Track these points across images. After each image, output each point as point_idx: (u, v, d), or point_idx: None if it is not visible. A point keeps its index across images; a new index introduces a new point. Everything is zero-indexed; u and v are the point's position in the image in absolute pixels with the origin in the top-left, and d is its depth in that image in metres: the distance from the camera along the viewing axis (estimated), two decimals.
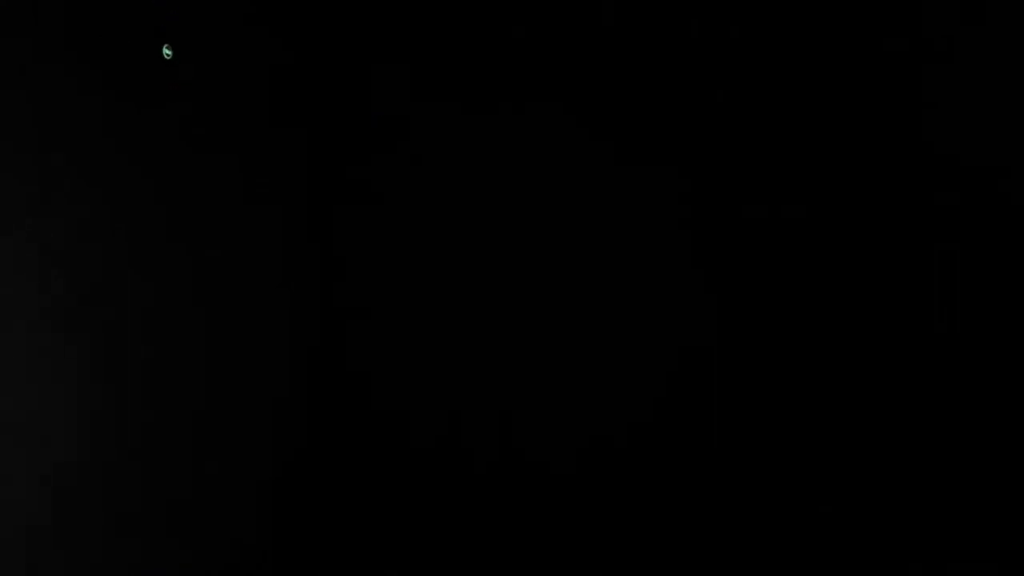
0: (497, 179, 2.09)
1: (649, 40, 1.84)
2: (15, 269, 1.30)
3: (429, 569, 2.12)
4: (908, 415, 1.51)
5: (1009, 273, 1.38)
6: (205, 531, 1.88)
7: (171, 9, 1.71)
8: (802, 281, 1.69)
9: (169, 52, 1.41)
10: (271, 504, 2.14)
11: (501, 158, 2.09)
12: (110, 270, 1.56)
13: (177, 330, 1.80)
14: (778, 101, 1.71)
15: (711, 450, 1.82)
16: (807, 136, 1.68)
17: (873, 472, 1.56)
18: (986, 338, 1.40)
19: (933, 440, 1.47)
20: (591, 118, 2.00)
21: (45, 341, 1.37)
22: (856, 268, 1.61)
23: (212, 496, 1.91)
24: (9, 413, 1.28)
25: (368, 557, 2.20)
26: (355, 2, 2.25)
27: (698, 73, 1.80)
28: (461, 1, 2.09)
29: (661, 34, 1.82)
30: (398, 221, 2.21)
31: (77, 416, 1.45)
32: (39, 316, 1.35)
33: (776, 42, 1.69)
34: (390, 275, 2.23)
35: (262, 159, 2.18)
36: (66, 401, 1.42)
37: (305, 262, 2.45)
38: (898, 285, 1.55)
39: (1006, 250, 1.38)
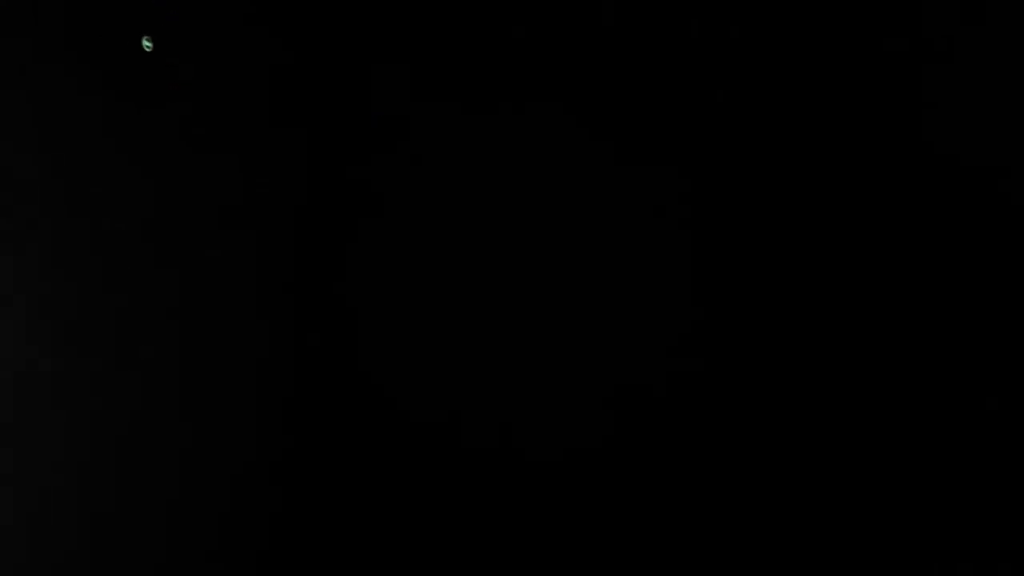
0: (495, 180, 2.09)
1: (649, 40, 1.84)
2: (14, 270, 1.30)
3: (426, 570, 2.12)
4: (908, 416, 1.51)
5: (1009, 273, 1.38)
6: (201, 531, 1.88)
7: (170, 8, 1.71)
8: (802, 281, 1.69)
9: (149, 44, 1.39)
10: (270, 506, 2.14)
11: (500, 159, 2.09)
12: (109, 271, 1.56)
13: (176, 331, 1.80)
14: (778, 101, 1.71)
15: (709, 450, 1.82)
16: (807, 136, 1.68)
17: (873, 473, 1.56)
18: (986, 338, 1.40)
19: (933, 441, 1.47)
20: (591, 118, 2.00)
21: (44, 341, 1.37)
22: (856, 268, 1.62)
23: (209, 496, 1.91)
24: (7, 414, 1.28)
25: (364, 558, 2.20)
26: (355, 2, 2.26)
27: (698, 73, 1.80)
28: (461, 1, 2.09)
29: (661, 34, 1.83)
30: (398, 222, 2.21)
31: (77, 416, 1.45)
32: (38, 316, 1.35)
33: (776, 42, 1.69)
34: (389, 275, 2.23)
35: (262, 159, 2.18)
36: (65, 402, 1.42)
37: (305, 263, 2.45)
38: (898, 285, 1.56)
39: (1006, 250, 1.38)
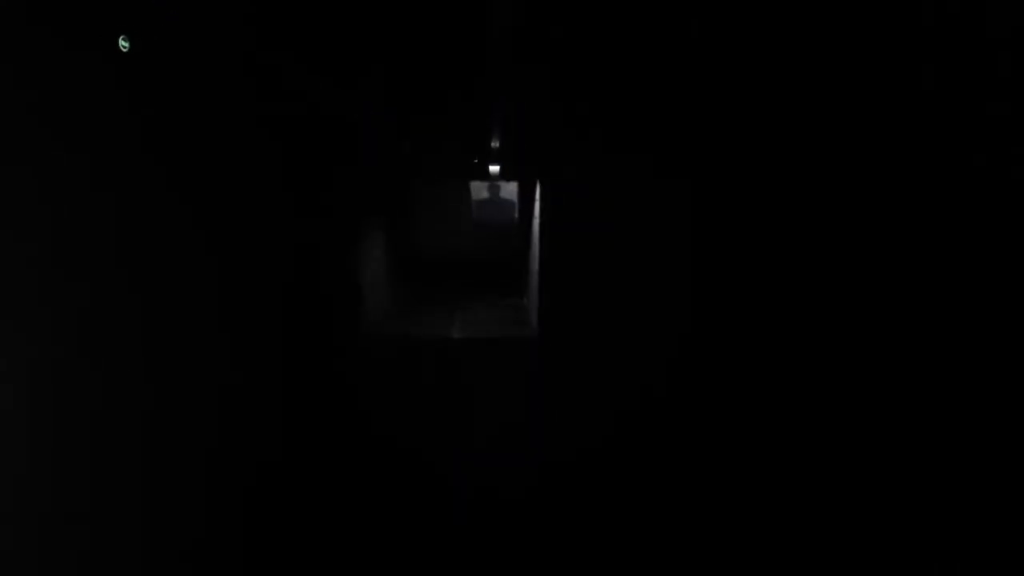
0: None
1: (649, 40, 1.84)
2: (25, 267, 1.28)
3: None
4: (906, 416, 1.51)
5: (1009, 273, 1.38)
6: (190, 530, 1.88)
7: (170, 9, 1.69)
8: (802, 282, 1.69)
9: (126, 44, 1.38)
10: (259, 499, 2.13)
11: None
12: (115, 279, 1.55)
13: (176, 334, 1.79)
14: (776, 102, 1.71)
15: (705, 451, 1.82)
16: (805, 137, 1.68)
17: (870, 473, 1.56)
18: (986, 338, 1.40)
19: (931, 441, 1.47)
20: (592, 120, 2.00)
21: (57, 340, 1.36)
22: (855, 268, 1.61)
23: (202, 495, 1.91)
24: (12, 409, 1.27)
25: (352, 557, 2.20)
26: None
27: (698, 73, 1.79)
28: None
29: (660, 33, 1.82)
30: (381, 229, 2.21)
31: (77, 413, 1.44)
32: (51, 319, 1.34)
33: (774, 43, 1.69)
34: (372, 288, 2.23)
35: (259, 170, 2.17)
36: (65, 397, 1.41)
37: (299, 273, 2.44)
38: (895, 285, 1.55)
39: (1006, 250, 1.37)
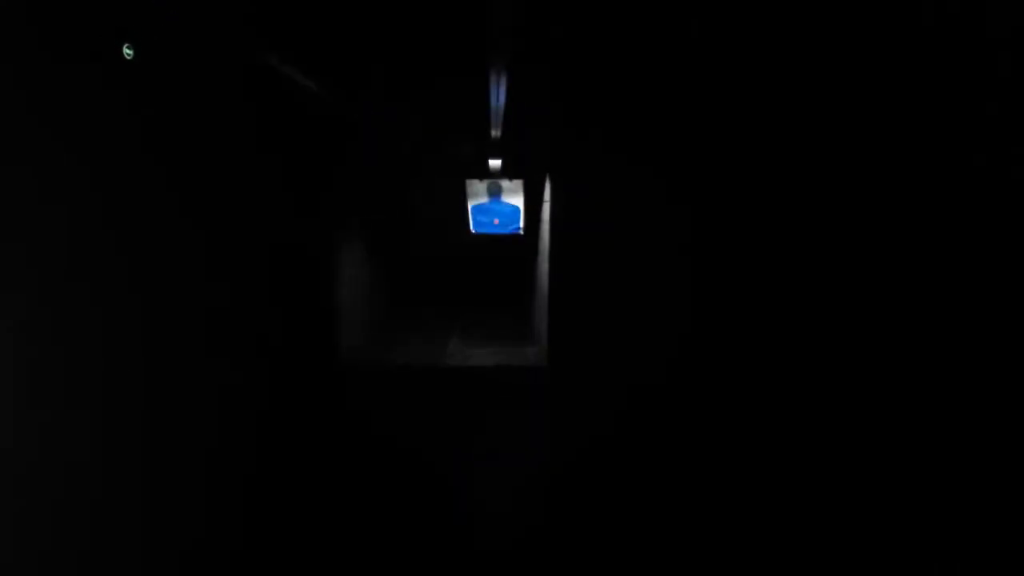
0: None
1: (650, 40, 1.84)
2: (19, 267, 1.28)
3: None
4: (905, 416, 1.51)
5: (1009, 272, 1.38)
6: (190, 525, 1.88)
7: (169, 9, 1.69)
8: (804, 281, 1.69)
9: (130, 52, 1.38)
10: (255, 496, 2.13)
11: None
12: (111, 282, 1.55)
13: (175, 333, 1.79)
14: (775, 100, 1.71)
15: (701, 451, 1.82)
16: (805, 135, 1.68)
17: (871, 472, 1.56)
18: (985, 338, 1.40)
19: (930, 440, 1.47)
20: (594, 122, 1.99)
21: (55, 342, 1.36)
22: (857, 268, 1.61)
23: (198, 491, 1.91)
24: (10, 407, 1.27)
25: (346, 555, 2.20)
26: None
27: (698, 72, 1.79)
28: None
29: (660, 33, 1.82)
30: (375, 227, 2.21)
31: (77, 413, 1.44)
32: (50, 321, 1.34)
33: (773, 43, 1.69)
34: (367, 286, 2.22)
35: (253, 173, 2.17)
36: (65, 398, 1.41)
37: (295, 277, 2.44)
38: (897, 284, 1.55)
39: (1006, 250, 1.37)
